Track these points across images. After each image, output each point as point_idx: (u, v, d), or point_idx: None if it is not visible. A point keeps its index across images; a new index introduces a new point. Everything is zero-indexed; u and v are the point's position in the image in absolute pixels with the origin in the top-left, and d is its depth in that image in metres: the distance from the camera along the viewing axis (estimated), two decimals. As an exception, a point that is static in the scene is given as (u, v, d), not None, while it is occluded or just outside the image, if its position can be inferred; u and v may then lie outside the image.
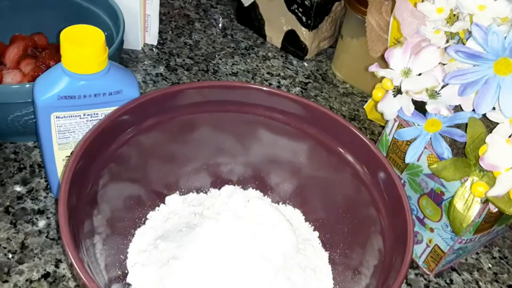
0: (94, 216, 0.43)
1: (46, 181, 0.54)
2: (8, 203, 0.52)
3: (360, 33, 0.68)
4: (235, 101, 0.49)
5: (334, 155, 0.49)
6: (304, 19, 0.73)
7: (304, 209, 0.53)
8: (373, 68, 0.47)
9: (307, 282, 0.46)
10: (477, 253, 0.56)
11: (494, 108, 0.41)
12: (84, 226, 0.41)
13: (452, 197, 0.45)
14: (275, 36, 0.78)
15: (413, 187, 0.50)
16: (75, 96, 0.44)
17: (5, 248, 0.48)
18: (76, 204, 0.39)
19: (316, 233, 0.51)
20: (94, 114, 0.46)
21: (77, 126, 0.46)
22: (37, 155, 0.56)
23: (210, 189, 0.54)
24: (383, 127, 0.52)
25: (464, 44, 0.42)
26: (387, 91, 0.47)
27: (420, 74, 0.45)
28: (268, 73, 0.74)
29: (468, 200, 0.44)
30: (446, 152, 0.45)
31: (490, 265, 0.55)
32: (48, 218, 0.51)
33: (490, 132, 0.41)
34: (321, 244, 0.51)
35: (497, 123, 0.41)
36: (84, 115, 0.45)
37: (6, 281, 0.46)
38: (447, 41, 0.45)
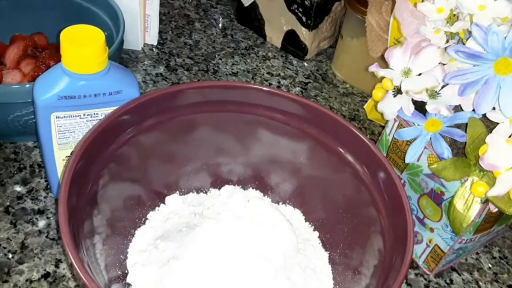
0: (94, 216, 0.43)
1: (46, 181, 0.54)
2: (8, 203, 0.52)
3: (360, 33, 0.68)
4: (235, 101, 0.49)
5: (334, 155, 0.48)
6: (304, 19, 0.73)
7: (304, 209, 0.53)
8: (373, 68, 0.47)
9: (307, 282, 0.46)
10: (477, 253, 0.56)
11: (494, 108, 0.41)
12: (84, 226, 0.41)
13: (452, 197, 0.45)
14: (275, 36, 0.78)
15: (413, 187, 0.50)
16: (75, 96, 0.44)
17: (5, 248, 0.48)
18: (76, 204, 0.39)
19: (316, 233, 0.51)
20: (94, 114, 0.46)
21: (77, 126, 0.46)
22: (37, 155, 0.56)
23: (210, 189, 0.54)
24: (383, 127, 0.52)
25: (464, 44, 0.42)
26: (387, 91, 0.47)
27: (420, 74, 0.45)
28: (268, 73, 0.74)
29: (468, 200, 0.44)
30: (446, 152, 0.45)
31: (490, 265, 0.55)
32: (48, 218, 0.51)
33: (490, 132, 0.41)
34: (321, 244, 0.51)
35: (497, 123, 0.41)
36: (84, 115, 0.45)
37: (6, 281, 0.46)
38: (447, 41, 0.45)
